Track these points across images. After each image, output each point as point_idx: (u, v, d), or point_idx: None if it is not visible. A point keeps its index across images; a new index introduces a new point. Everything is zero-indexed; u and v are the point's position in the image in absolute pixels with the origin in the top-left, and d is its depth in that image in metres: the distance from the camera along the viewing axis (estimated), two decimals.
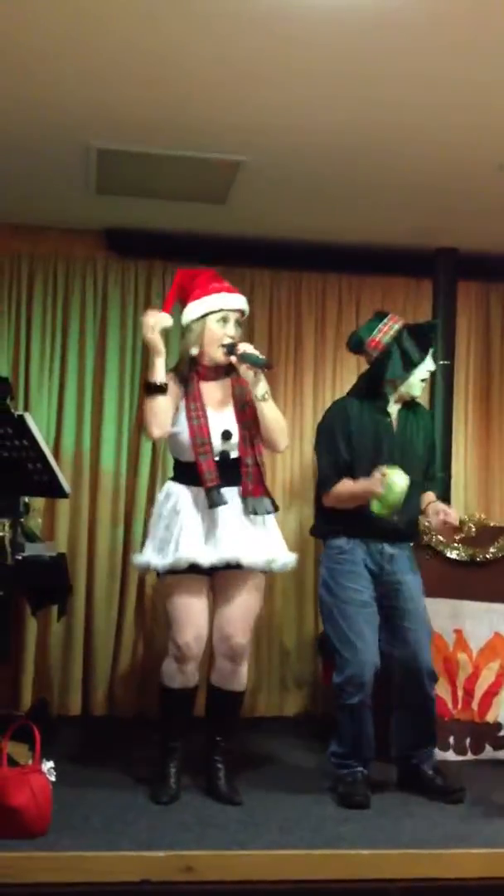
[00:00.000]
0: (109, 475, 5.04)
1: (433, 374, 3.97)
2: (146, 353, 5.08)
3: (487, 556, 4.31)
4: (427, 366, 3.76)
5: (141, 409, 5.02)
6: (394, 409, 3.74)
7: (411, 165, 4.16)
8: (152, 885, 2.75)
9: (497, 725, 4.30)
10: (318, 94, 3.57)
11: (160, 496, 3.60)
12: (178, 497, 3.49)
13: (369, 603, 3.59)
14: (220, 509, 3.40)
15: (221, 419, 3.48)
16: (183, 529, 3.42)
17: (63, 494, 3.93)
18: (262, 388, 3.45)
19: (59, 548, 4.68)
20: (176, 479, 3.57)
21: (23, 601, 4.38)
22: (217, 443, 3.45)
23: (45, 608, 4.46)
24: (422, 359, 3.71)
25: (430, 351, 3.78)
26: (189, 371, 3.54)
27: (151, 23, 3.13)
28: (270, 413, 3.49)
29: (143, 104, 3.69)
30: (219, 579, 3.46)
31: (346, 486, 3.59)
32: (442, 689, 4.03)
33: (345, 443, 3.65)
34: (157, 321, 3.43)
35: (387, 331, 3.72)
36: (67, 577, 4.46)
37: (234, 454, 3.47)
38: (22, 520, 4.29)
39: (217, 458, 3.44)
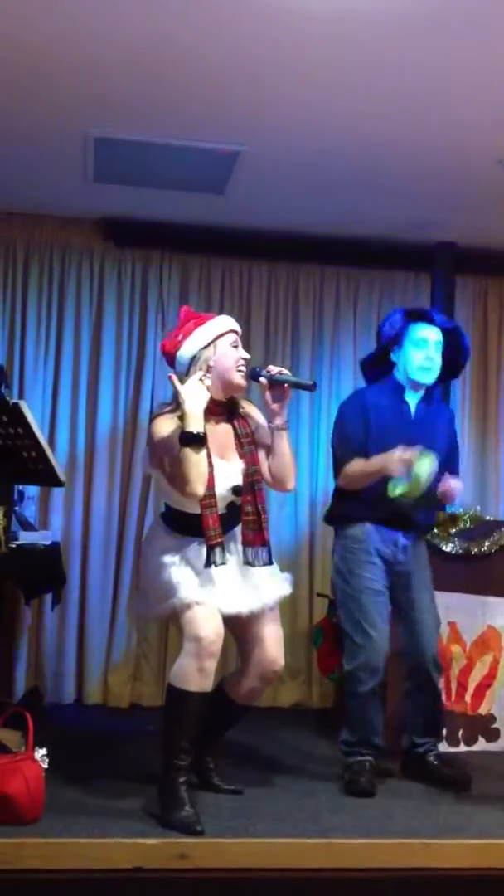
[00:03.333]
0: (104, 463, 5.04)
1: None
2: (142, 342, 5.17)
3: (482, 550, 4.31)
4: (424, 351, 3.66)
5: (138, 413, 5.07)
6: (412, 397, 3.72)
7: (410, 159, 4.15)
8: (145, 871, 2.75)
9: (490, 717, 4.31)
10: (317, 85, 3.56)
11: (153, 543, 3.30)
12: (181, 551, 3.21)
13: (382, 591, 3.62)
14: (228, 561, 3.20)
15: (227, 469, 3.21)
16: (199, 580, 3.16)
17: (58, 483, 3.90)
18: (285, 416, 3.24)
19: (53, 536, 4.67)
20: (172, 527, 3.27)
21: (17, 589, 4.37)
22: (223, 494, 3.19)
23: (39, 596, 4.46)
24: (395, 332, 3.66)
25: (423, 335, 3.67)
26: None
27: (151, 11, 3.12)
28: (288, 446, 3.27)
29: (142, 93, 3.68)
30: (241, 616, 3.24)
31: (358, 464, 3.57)
32: None
33: (360, 424, 3.64)
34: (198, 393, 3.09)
35: (392, 321, 3.73)
36: (62, 566, 4.46)
37: (238, 503, 3.26)
38: (16, 508, 4.29)
39: (223, 512, 3.19)
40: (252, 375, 3.25)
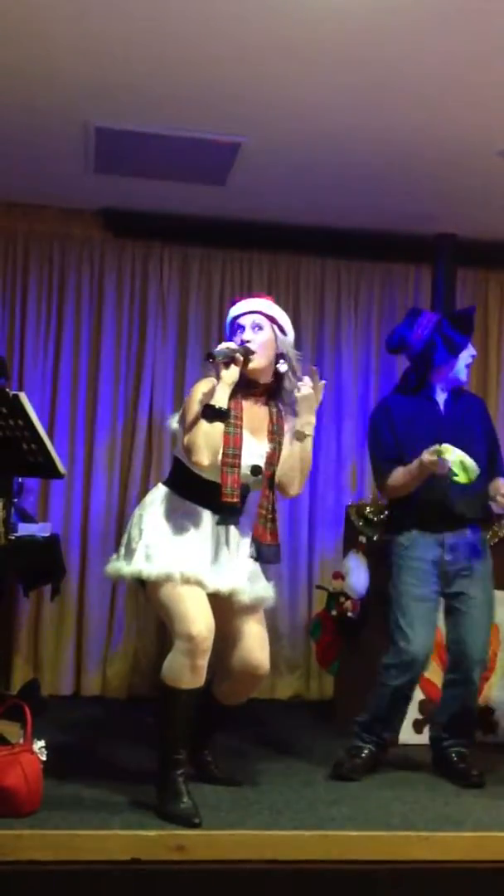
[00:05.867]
0: (104, 455, 5.04)
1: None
2: (142, 333, 5.17)
3: None
4: (470, 350, 3.79)
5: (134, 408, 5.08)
6: (441, 396, 3.79)
7: (411, 150, 4.15)
8: (143, 863, 2.75)
9: (489, 710, 4.31)
10: (318, 77, 3.55)
11: (158, 503, 3.26)
12: (186, 513, 3.21)
13: (427, 597, 3.67)
14: (228, 540, 3.23)
15: (254, 447, 3.21)
16: (197, 550, 3.18)
17: (58, 475, 3.90)
18: (308, 421, 3.22)
19: (53, 528, 4.67)
20: (182, 494, 3.25)
21: (16, 581, 4.37)
22: (244, 468, 3.19)
23: (38, 588, 4.46)
24: (465, 343, 3.75)
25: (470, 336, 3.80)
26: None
27: (152, 1, 3.10)
28: (307, 453, 3.26)
29: (144, 83, 3.67)
30: (224, 604, 3.23)
31: (397, 473, 3.66)
32: (435, 674, 4.04)
33: (391, 435, 3.71)
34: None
35: (425, 324, 3.76)
36: (61, 558, 4.46)
37: (254, 491, 3.26)
38: (16, 500, 4.29)
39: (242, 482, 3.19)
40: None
